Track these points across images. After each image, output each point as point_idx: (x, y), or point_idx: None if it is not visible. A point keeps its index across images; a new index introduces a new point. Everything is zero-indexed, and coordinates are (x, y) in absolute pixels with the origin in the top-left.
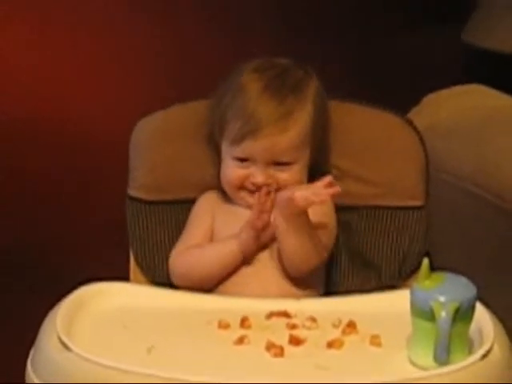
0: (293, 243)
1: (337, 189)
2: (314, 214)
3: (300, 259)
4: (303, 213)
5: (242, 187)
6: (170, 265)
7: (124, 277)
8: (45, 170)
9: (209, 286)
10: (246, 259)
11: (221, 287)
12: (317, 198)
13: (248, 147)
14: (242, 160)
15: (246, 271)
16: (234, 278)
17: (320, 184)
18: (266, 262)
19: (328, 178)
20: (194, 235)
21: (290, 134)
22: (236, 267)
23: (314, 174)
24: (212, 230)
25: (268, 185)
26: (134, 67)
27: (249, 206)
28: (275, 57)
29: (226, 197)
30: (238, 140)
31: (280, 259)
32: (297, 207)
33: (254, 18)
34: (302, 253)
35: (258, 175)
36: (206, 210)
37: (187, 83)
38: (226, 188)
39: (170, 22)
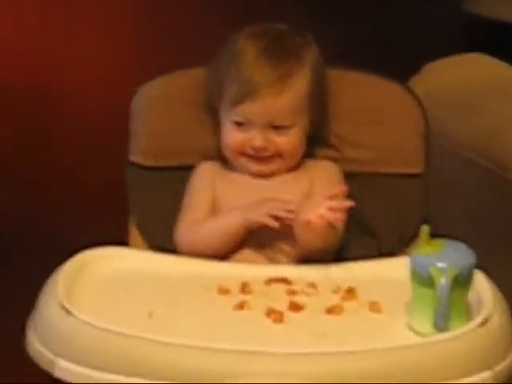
0: (314, 246)
1: (350, 203)
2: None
3: (319, 251)
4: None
5: (241, 152)
6: (176, 244)
7: (123, 242)
8: (44, 137)
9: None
10: (252, 233)
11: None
12: (333, 215)
13: (246, 109)
14: (241, 124)
15: (251, 248)
16: (238, 256)
17: (329, 198)
18: (273, 238)
19: (336, 192)
20: (195, 210)
21: (286, 95)
22: (241, 242)
23: (313, 144)
24: (213, 202)
25: (266, 149)
26: (136, 32)
27: (250, 173)
28: (273, 23)
29: (225, 165)
30: (235, 103)
31: (290, 235)
32: (316, 229)
33: None
34: (322, 246)
35: (256, 139)
36: (206, 182)
37: (188, 49)
38: (227, 154)
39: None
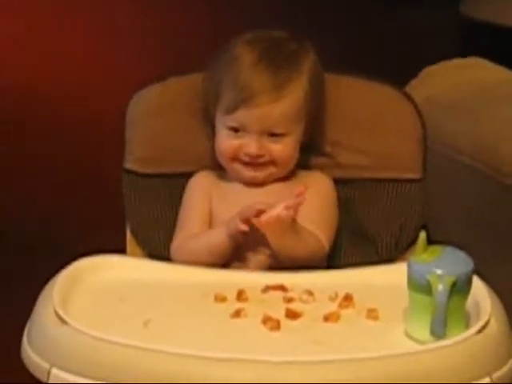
0: (284, 250)
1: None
2: (312, 207)
3: (293, 259)
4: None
5: (235, 158)
6: (172, 257)
7: (120, 250)
8: (44, 145)
9: None
10: (241, 244)
11: None
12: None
13: (241, 116)
14: (236, 130)
15: (242, 256)
16: (234, 264)
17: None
18: (260, 246)
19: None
20: (189, 224)
21: (283, 103)
22: (232, 254)
23: (308, 152)
24: (210, 213)
25: (261, 156)
26: (132, 40)
27: (243, 180)
28: (271, 30)
29: (221, 175)
30: (231, 109)
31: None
32: (267, 228)
33: None
34: (295, 254)
35: (251, 145)
36: (201, 194)
37: (183, 56)
38: (221, 160)
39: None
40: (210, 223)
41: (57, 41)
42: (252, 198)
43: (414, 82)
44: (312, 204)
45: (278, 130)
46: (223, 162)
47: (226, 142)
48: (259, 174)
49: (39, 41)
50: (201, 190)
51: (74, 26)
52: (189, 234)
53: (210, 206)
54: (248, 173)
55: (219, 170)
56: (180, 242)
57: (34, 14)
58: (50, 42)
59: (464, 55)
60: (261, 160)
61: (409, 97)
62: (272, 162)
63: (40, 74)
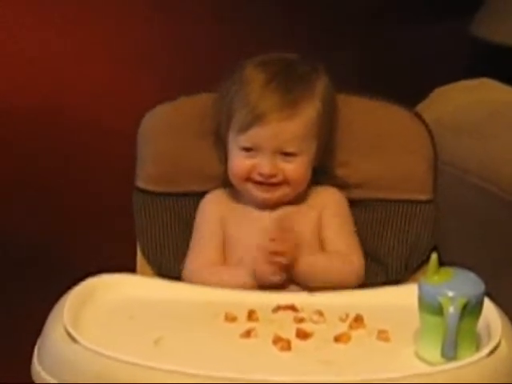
0: (314, 285)
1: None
2: (336, 228)
3: (330, 287)
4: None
5: (248, 178)
6: (184, 280)
7: (131, 269)
8: (47, 160)
9: None
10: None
11: None
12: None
13: (254, 134)
14: (249, 150)
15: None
16: None
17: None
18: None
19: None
20: (204, 249)
21: (295, 122)
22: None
23: (319, 173)
24: (224, 236)
25: (274, 175)
26: (142, 60)
27: (256, 201)
28: (281, 51)
29: (233, 194)
30: (244, 128)
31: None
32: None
33: (261, 9)
34: (329, 283)
35: (264, 165)
36: (216, 216)
37: (193, 76)
38: (233, 180)
39: (178, 16)
40: (224, 245)
41: (68, 57)
42: (267, 220)
43: (423, 104)
44: (335, 225)
45: (290, 149)
46: (236, 182)
47: (239, 162)
48: (272, 196)
49: (48, 58)
50: (214, 212)
51: (83, 43)
52: (206, 262)
53: (223, 228)
54: (261, 194)
55: (231, 190)
56: (196, 268)
57: (43, 32)
58: (61, 59)
59: (474, 76)
60: (274, 180)
61: (420, 117)
62: (285, 182)
63: (49, 92)
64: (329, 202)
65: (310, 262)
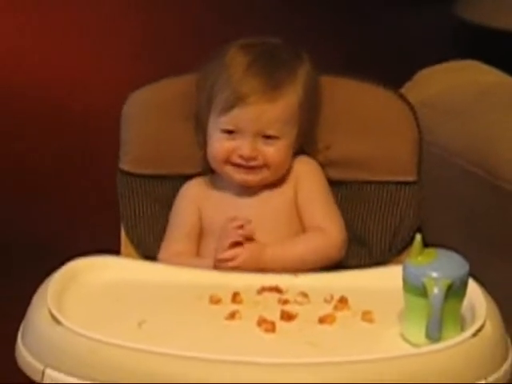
0: (289, 268)
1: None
2: (313, 199)
3: (309, 266)
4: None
5: (228, 161)
6: None
7: (115, 250)
8: (36, 149)
9: None
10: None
11: None
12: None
13: (235, 116)
14: (230, 132)
15: None
16: None
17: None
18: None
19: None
20: (176, 239)
21: (277, 105)
22: None
23: (302, 153)
24: (200, 224)
25: (254, 158)
26: (127, 40)
27: (236, 186)
28: (266, 35)
29: (213, 181)
30: (225, 109)
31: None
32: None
33: None
34: (307, 263)
35: (244, 147)
36: (190, 205)
37: (178, 56)
38: (213, 163)
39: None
40: (202, 233)
41: (54, 41)
42: (244, 207)
43: (407, 86)
44: (311, 197)
45: (271, 132)
46: (215, 165)
47: (219, 144)
48: (252, 178)
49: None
50: (190, 202)
51: (69, 26)
52: (176, 252)
53: (199, 217)
54: (240, 176)
55: (212, 173)
56: (166, 258)
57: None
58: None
59: (458, 58)
60: (253, 163)
61: (404, 98)
62: (265, 166)
63: (34, 73)
64: (303, 176)
65: (275, 253)
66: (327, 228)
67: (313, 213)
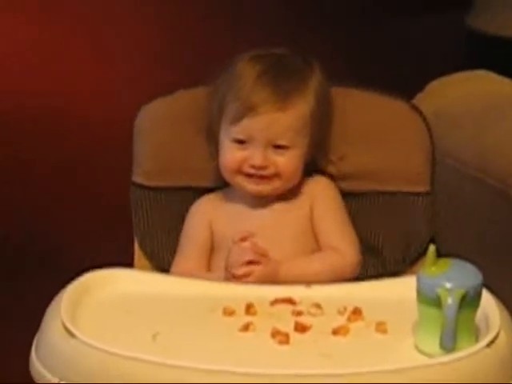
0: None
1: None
2: (328, 219)
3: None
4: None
5: (239, 171)
6: None
7: (128, 263)
8: (45, 158)
9: None
10: None
11: None
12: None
13: (246, 125)
14: (241, 142)
15: None
16: None
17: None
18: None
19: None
20: (187, 254)
21: (288, 114)
22: None
23: (315, 165)
24: (211, 239)
25: (265, 167)
26: (139, 54)
27: (248, 197)
28: (274, 46)
29: (226, 195)
30: (236, 119)
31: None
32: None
33: (254, 3)
34: (322, 280)
35: (255, 156)
36: (200, 221)
37: (190, 70)
38: (225, 174)
39: (175, 11)
40: (214, 247)
41: (66, 52)
42: (256, 220)
43: (420, 96)
44: (327, 217)
45: (282, 142)
46: (227, 175)
47: (230, 154)
48: (263, 188)
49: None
50: (201, 218)
51: (80, 39)
52: (187, 268)
53: (210, 232)
54: (252, 187)
55: (225, 187)
56: (178, 273)
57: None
58: (60, 54)
59: (470, 68)
60: (265, 172)
61: (417, 109)
62: (276, 176)
63: (48, 84)
64: (320, 194)
65: (290, 270)
66: (343, 249)
67: (328, 232)
